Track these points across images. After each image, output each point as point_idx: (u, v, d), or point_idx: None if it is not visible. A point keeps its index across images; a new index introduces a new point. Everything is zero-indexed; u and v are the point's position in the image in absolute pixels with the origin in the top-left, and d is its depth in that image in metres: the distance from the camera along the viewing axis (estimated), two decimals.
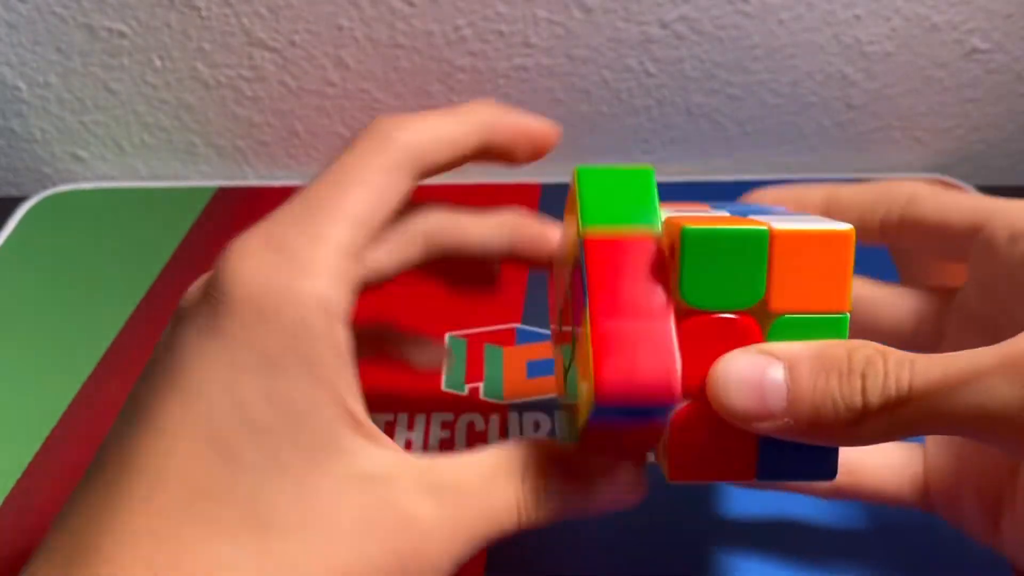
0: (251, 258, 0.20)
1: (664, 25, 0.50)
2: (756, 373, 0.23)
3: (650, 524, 0.33)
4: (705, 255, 0.23)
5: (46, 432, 0.37)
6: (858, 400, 0.22)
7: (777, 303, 0.23)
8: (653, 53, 0.51)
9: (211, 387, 0.19)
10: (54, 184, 0.56)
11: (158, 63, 0.51)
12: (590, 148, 0.55)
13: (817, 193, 0.30)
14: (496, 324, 0.42)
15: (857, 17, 0.50)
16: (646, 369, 0.23)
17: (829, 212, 0.30)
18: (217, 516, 0.19)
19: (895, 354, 0.22)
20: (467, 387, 0.39)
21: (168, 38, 0.51)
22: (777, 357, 0.23)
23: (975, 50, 0.51)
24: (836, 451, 0.24)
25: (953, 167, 0.55)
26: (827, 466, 0.24)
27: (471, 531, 0.23)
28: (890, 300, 0.31)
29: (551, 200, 0.51)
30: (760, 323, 0.24)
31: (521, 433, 0.37)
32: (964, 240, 0.28)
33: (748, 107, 0.53)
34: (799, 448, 0.24)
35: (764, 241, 0.23)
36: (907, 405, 0.21)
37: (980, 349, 0.21)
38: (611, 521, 0.33)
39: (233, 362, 0.19)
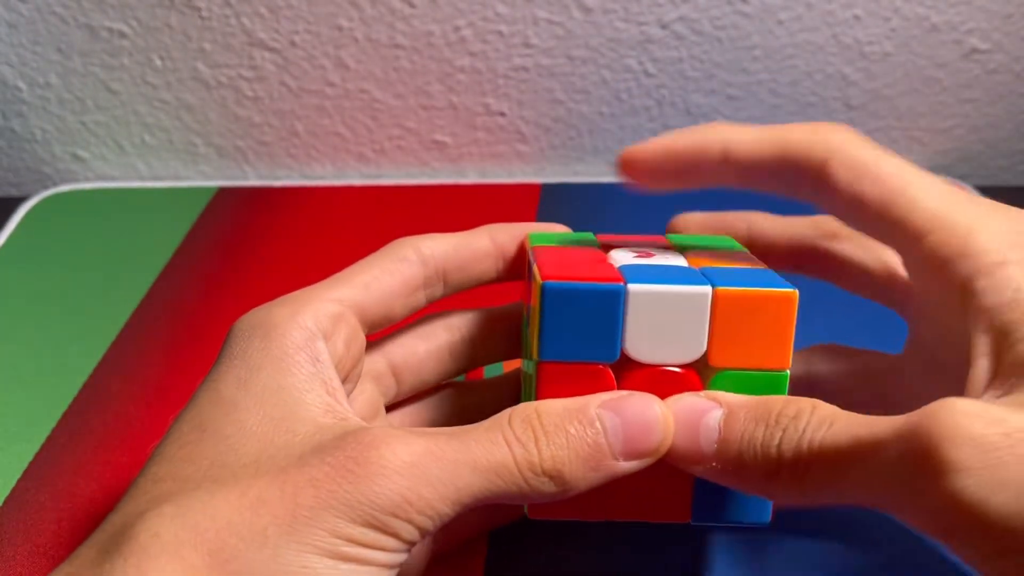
0: (262, 307, 0.26)
1: (664, 25, 0.50)
2: (695, 416, 0.24)
3: (650, 526, 0.33)
4: (648, 311, 0.24)
5: (46, 432, 0.37)
6: (773, 452, 0.22)
7: (717, 359, 0.24)
8: (653, 53, 0.51)
9: (202, 387, 0.24)
10: (54, 184, 0.56)
11: (158, 63, 0.51)
12: (590, 148, 0.55)
13: (739, 224, 0.31)
14: None
15: (856, 17, 0.50)
16: (589, 272, 0.24)
17: (754, 244, 0.30)
18: (189, 474, 0.22)
19: (824, 411, 0.22)
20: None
21: (168, 38, 0.51)
22: (719, 403, 0.24)
23: (974, 50, 0.51)
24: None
25: (952, 167, 0.55)
26: (761, 511, 0.25)
27: (452, 473, 0.22)
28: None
29: (550, 200, 0.51)
30: (703, 377, 0.25)
31: None
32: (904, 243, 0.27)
33: (748, 107, 0.53)
34: (733, 493, 0.25)
35: (707, 300, 0.24)
36: (813, 466, 0.22)
37: (888, 418, 0.21)
38: (612, 522, 0.33)
39: (221, 368, 0.24)
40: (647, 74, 0.52)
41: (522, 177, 0.55)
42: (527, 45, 0.51)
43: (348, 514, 0.21)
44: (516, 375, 0.31)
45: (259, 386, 0.23)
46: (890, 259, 0.30)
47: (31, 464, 0.36)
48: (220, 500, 0.21)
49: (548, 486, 0.23)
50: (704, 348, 0.24)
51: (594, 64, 0.51)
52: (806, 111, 0.53)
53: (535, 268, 0.25)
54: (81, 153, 0.55)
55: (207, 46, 0.51)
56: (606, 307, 0.24)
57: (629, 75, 0.52)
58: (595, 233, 0.30)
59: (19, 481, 0.35)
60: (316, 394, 0.24)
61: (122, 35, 0.50)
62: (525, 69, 0.52)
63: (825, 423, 0.22)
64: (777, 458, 0.22)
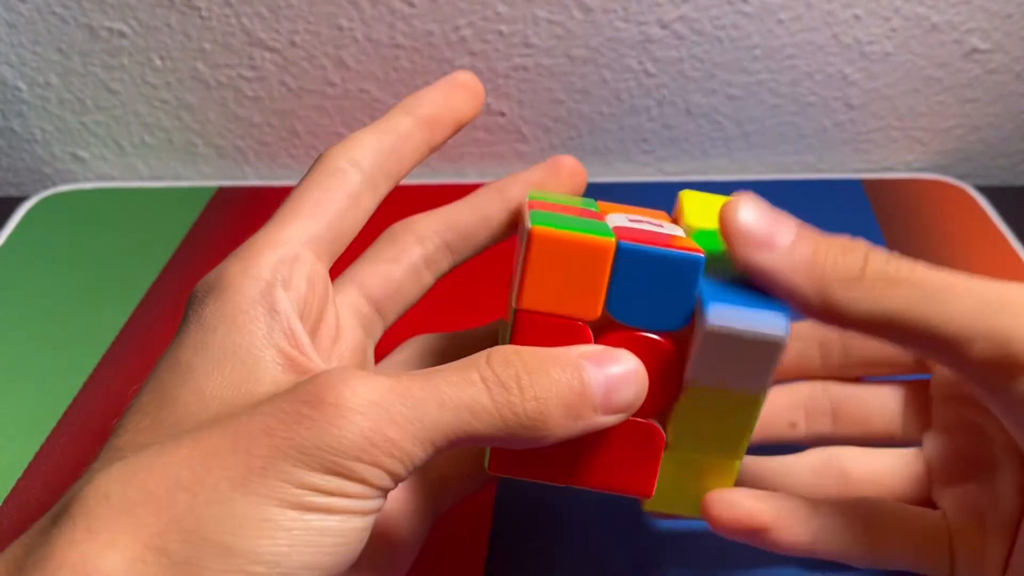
0: (217, 266, 0.24)
1: (664, 25, 0.50)
2: (772, 213, 0.24)
3: (650, 526, 0.33)
4: (637, 273, 0.23)
5: (46, 432, 0.37)
6: (860, 255, 0.23)
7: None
8: (653, 53, 0.51)
9: (163, 357, 0.23)
10: (54, 184, 0.56)
11: (158, 63, 0.51)
12: (590, 148, 0.55)
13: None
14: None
15: (857, 17, 0.50)
16: (580, 227, 0.24)
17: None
18: (149, 441, 0.21)
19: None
20: None
21: (168, 38, 0.51)
22: (794, 223, 0.24)
23: (975, 50, 0.51)
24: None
25: (953, 167, 0.55)
26: (735, 448, 0.25)
27: (420, 411, 0.20)
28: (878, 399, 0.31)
29: None
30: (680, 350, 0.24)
31: None
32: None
33: (748, 107, 0.53)
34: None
35: (698, 269, 0.23)
36: (902, 283, 0.22)
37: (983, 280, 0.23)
38: (611, 522, 0.33)
39: (179, 335, 0.23)
40: (647, 74, 0.52)
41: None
42: (527, 45, 0.51)
43: (307, 461, 0.19)
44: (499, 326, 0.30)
45: (215, 347, 0.22)
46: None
47: (31, 464, 0.36)
48: (171, 456, 0.20)
49: (526, 431, 0.21)
50: (690, 317, 0.24)
51: (594, 64, 0.51)
52: (806, 111, 0.53)
53: (527, 216, 0.24)
54: (81, 153, 0.55)
55: (207, 46, 0.51)
56: (595, 260, 0.23)
57: (629, 75, 0.52)
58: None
59: (19, 481, 0.35)
60: (276, 349, 0.22)
61: (122, 35, 0.50)
62: (525, 69, 0.51)
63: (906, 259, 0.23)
64: (864, 260, 0.23)
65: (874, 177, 0.53)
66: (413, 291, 0.28)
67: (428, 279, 0.28)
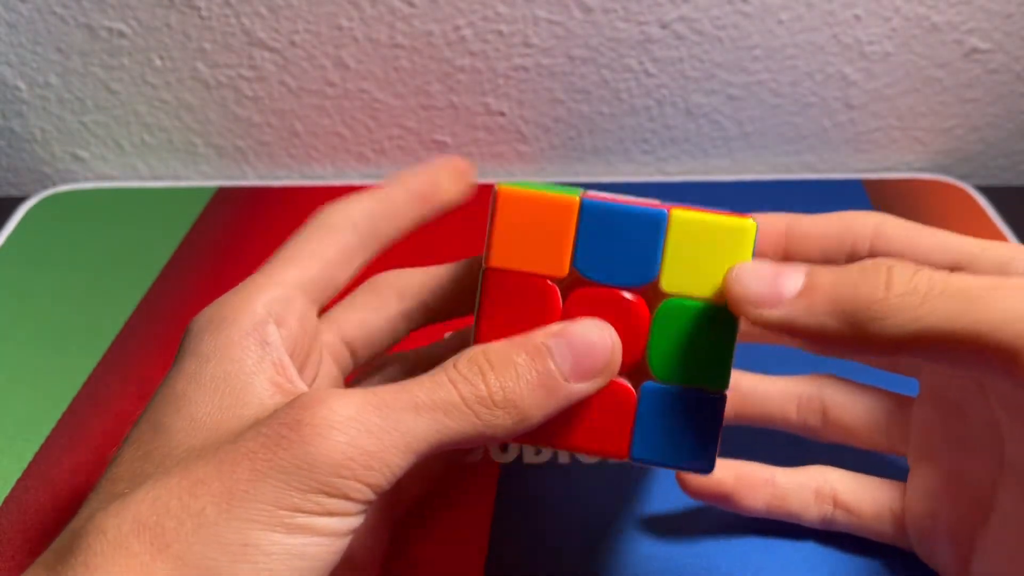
0: (215, 301, 0.25)
1: (664, 25, 0.50)
2: (776, 268, 0.23)
3: (650, 527, 0.33)
4: (602, 228, 0.24)
5: (46, 432, 0.37)
6: (880, 280, 0.22)
7: (669, 285, 0.24)
8: (653, 53, 0.51)
9: (159, 388, 0.24)
10: (54, 184, 0.56)
11: (158, 63, 0.51)
12: (590, 148, 0.55)
13: (778, 222, 0.30)
14: None
15: (857, 17, 0.50)
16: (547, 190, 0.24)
17: (791, 243, 0.29)
18: (145, 472, 0.22)
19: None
20: None
21: (168, 38, 0.51)
22: (799, 266, 0.23)
23: (975, 50, 0.51)
24: (715, 442, 0.24)
25: (953, 167, 0.55)
26: (704, 457, 0.25)
27: (394, 420, 0.21)
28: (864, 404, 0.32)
29: None
30: (651, 306, 0.24)
31: None
32: None
33: (748, 107, 0.53)
34: (676, 432, 0.24)
35: (662, 223, 0.24)
36: (933, 300, 0.21)
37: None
38: (611, 522, 0.33)
39: (175, 366, 0.24)
40: (647, 74, 0.52)
41: (522, 177, 0.55)
42: (527, 45, 0.51)
43: (289, 482, 0.20)
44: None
45: (207, 377, 0.23)
46: (925, 250, 0.28)
47: (31, 464, 0.36)
48: (161, 488, 0.20)
49: (503, 419, 0.22)
50: (656, 272, 0.24)
51: (594, 64, 0.51)
52: (806, 111, 0.53)
53: (496, 187, 0.25)
54: (81, 153, 0.55)
55: (207, 46, 0.51)
56: (560, 217, 0.24)
57: (629, 75, 0.52)
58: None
59: (19, 481, 0.35)
60: (265, 376, 0.23)
61: (122, 35, 0.50)
62: (525, 69, 0.51)
63: (935, 269, 0.22)
64: (886, 278, 0.22)
65: (874, 177, 0.53)
66: (387, 340, 0.29)
67: (403, 331, 0.29)
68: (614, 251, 0.24)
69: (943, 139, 0.55)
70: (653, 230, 0.24)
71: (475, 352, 0.23)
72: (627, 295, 0.24)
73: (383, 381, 0.30)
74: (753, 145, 0.55)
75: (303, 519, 0.20)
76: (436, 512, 0.33)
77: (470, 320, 0.26)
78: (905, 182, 0.52)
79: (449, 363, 0.23)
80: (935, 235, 0.28)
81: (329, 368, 0.28)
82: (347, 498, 0.20)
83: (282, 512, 0.20)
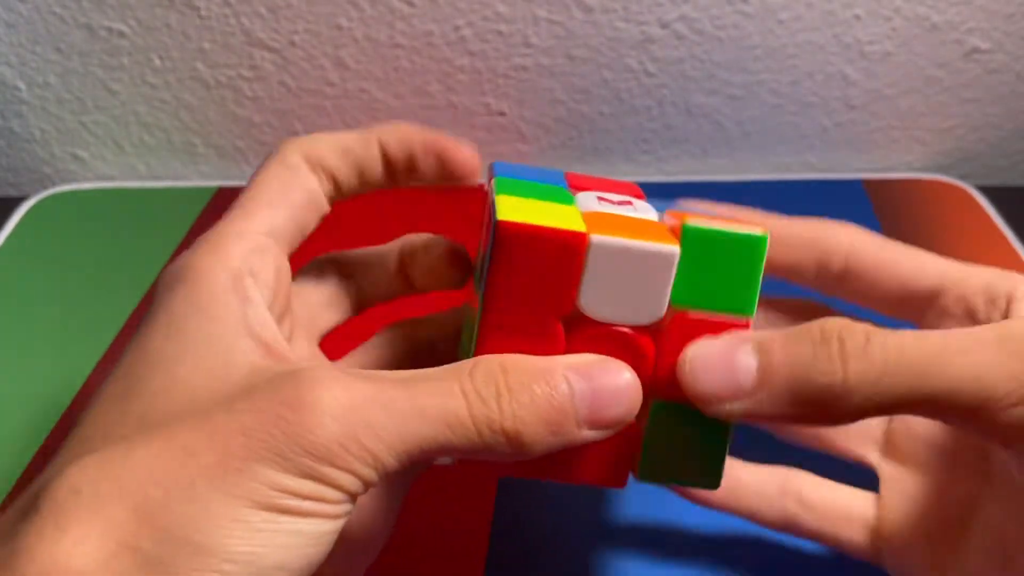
0: (185, 252, 0.24)
1: (664, 25, 0.50)
2: (726, 354, 0.22)
3: (649, 527, 0.33)
4: (609, 265, 0.22)
5: (46, 432, 0.37)
6: (834, 360, 0.21)
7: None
8: (653, 53, 0.51)
9: (130, 344, 0.23)
10: (54, 184, 0.56)
11: (158, 63, 0.51)
12: (590, 148, 0.55)
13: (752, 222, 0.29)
14: None
15: (857, 17, 0.50)
16: (551, 219, 0.22)
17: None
18: (118, 431, 0.21)
19: (870, 325, 0.21)
20: None
21: (168, 38, 0.51)
22: (746, 339, 0.22)
23: (975, 50, 0.51)
24: (721, 460, 0.24)
25: (953, 167, 0.55)
26: (712, 474, 0.24)
27: (398, 421, 0.20)
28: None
29: None
30: (656, 341, 0.23)
31: None
32: (921, 302, 0.27)
33: (748, 107, 0.53)
34: (683, 452, 0.24)
35: (673, 260, 0.22)
36: (890, 372, 0.21)
37: (976, 327, 0.21)
38: (611, 522, 0.33)
39: (147, 322, 0.23)
40: (647, 74, 0.52)
41: None
42: (527, 45, 0.51)
43: (283, 464, 0.19)
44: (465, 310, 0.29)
45: (187, 336, 0.22)
46: (904, 273, 0.28)
47: (31, 464, 0.36)
48: (143, 450, 0.19)
49: (503, 446, 0.21)
50: (664, 311, 0.23)
51: (594, 64, 0.51)
52: (807, 111, 0.53)
53: (495, 206, 0.23)
54: (80, 153, 0.55)
55: (206, 46, 0.51)
56: (565, 256, 0.22)
57: (629, 75, 0.52)
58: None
59: (19, 481, 0.35)
60: (251, 337, 0.22)
61: (121, 35, 0.50)
62: (525, 69, 0.51)
63: (884, 331, 0.21)
64: (839, 351, 0.21)
65: (875, 177, 0.53)
66: (330, 320, 0.29)
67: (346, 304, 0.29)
68: (621, 288, 0.22)
69: (943, 139, 0.55)
70: (663, 268, 0.22)
71: (494, 367, 0.21)
72: (633, 333, 0.23)
73: (383, 351, 0.29)
74: (753, 145, 0.54)
75: (294, 502, 0.19)
76: (436, 512, 0.33)
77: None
78: (905, 182, 0.52)
79: (464, 370, 0.21)
80: (914, 258, 0.28)
81: (300, 319, 0.27)
82: (338, 487, 0.20)
83: (274, 492, 0.19)
